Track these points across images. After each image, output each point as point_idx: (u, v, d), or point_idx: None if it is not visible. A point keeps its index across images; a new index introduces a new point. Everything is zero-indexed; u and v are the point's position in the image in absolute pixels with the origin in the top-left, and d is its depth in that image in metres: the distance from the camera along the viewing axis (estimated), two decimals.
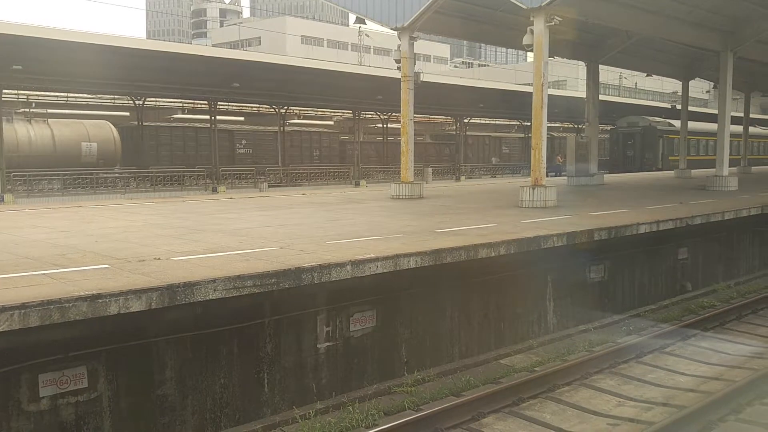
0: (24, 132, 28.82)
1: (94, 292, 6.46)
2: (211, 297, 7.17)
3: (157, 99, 34.58)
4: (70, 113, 32.94)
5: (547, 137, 17.06)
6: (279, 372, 8.30)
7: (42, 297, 6.20)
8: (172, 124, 35.56)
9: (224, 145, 35.21)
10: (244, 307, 7.80)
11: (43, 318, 6.07)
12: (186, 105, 37.43)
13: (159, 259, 8.43)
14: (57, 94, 32.83)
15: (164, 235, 10.83)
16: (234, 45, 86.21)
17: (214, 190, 30.28)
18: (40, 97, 32.91)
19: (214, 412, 7.77)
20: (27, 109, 31.33)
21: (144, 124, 32.51)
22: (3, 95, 25.94)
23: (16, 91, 29.85)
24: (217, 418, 7.78)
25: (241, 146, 36.94)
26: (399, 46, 19.46)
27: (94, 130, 30.98)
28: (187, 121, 36.31)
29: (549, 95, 16.97)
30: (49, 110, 31.44)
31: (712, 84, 43.19)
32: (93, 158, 30.58)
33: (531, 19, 16.23)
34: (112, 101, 35.03)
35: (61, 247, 9.45)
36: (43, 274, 7.43)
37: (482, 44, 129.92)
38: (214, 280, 7.19)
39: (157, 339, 7.28)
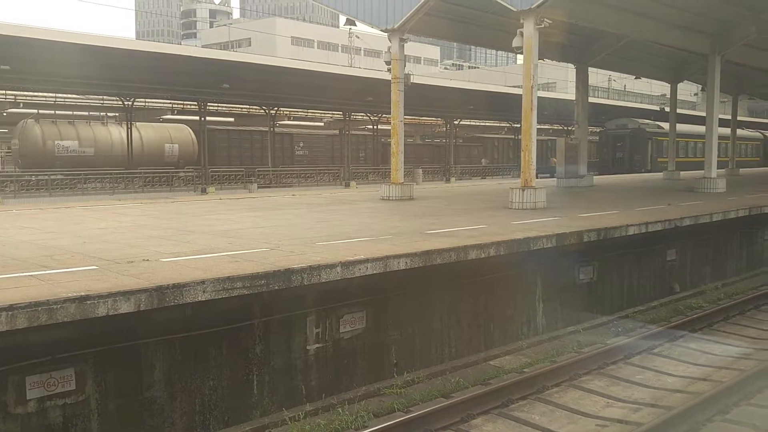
0: (117, 134, 32.30)
1: (83, 293, 6.42)
2: (200, 298, 7.15)
3: (146, 100, 34.45)
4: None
5: (537, 141, 17.11)
6: (268, 374, 8.28)
7: (29, 298, 6.16)
8: (240, 128, 38.93)
9: (285, 147, 38.52)
10: (234, 309, 7.78)
11: (31, 320, 6.03)
12: (175, 106, 37.31)
13: (148, 260, 8.39)
14: (45, 94, 32.65)
15: (153, 236, 10.78)
16: (224, 46, 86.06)
17: (204, 191, 30.18)
18: (27, 98, 32.73)
19: (203, 414, 7.73)
20: (116, 114, 34.22)
21: (215, 127, 35.94)
22: None
23: (3, 92, 29.69)
24: (206, 420, 7.75)
25: (299, 148, 40.30)
26: (389, 48, 19.47)
27: (175, 133, 34.45)
28: (252, 125, 39.72)
29: (539, 97, 17.05)
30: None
31: (700, 87, 43.45)
32: (174, 158, 33.98)
33: (521, 21, 16.28)
34: (101, 102, 34.86)
35: (49, 248, 9.39)
36: (31, 275, 7.38)
37: (472, 46, 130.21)
38: (203, 282, 7.17)
39: (145, 341, 7.25)
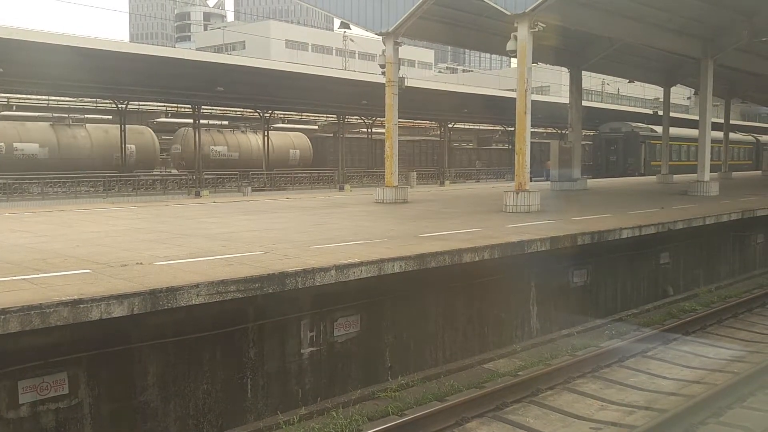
0: (254, 141, 38.39)
1: (76, 297, 6.39)
2: (194, 302, 7.12)
3: (140, 102, 34.39)
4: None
5: (531, 143, 17.15)
6: (262, 377, 8.26)
7: (22, 302, 6.13)
8: (348, 136, 43.23)
9: (377, 151, 41.87)
10: (228, 312, 7.76)
11: (24, 323, 5.99)
12: (169, 109, 37.26)
13: (141, 263, 8.36)
14: (39, 97, 32.59)
15: (147, 240, 10.75)
16: (218, 49, 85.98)
17: (197, 195, 30.12)
18: (21, 101, 32.65)
19: (197, 418, 7.70)
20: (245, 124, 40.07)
21: (325, 135, 42.13)
22: None
23: None
24: (200, 424, 7.72)
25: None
26: (383, 51, 19.48)
27: (296, 140, 40.15)
28: (357, 132, 45.49)
29: (533, 101, 17.07)
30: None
31: (693, 90, 43.65)
32: (296, 161, 39.55)
33: (515, 25, 16.32)
34: (95, 104, 34.79)
35: (41, 252, 9.35)
36: (23, 279, 7.35)
37: (466, 50, 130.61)
38: (197, 285, 7.15)
39: (139, 344, 7.22)
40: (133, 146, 32.47)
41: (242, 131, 38.99)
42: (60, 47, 22.62)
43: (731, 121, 42.83)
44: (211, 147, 35.97)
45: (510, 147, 46.95)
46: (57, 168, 29.39)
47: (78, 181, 29.29)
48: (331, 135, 42.22)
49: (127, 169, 31.59)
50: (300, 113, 42.66)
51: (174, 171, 35.80)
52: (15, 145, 28.69)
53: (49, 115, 32.98)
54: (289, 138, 39.91)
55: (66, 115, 32.32)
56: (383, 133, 24.13)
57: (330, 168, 39.71)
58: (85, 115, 34.76)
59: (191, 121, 33.66)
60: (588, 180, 28.92)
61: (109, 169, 31.01)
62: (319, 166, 39.98)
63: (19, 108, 33.37)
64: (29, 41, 22.02)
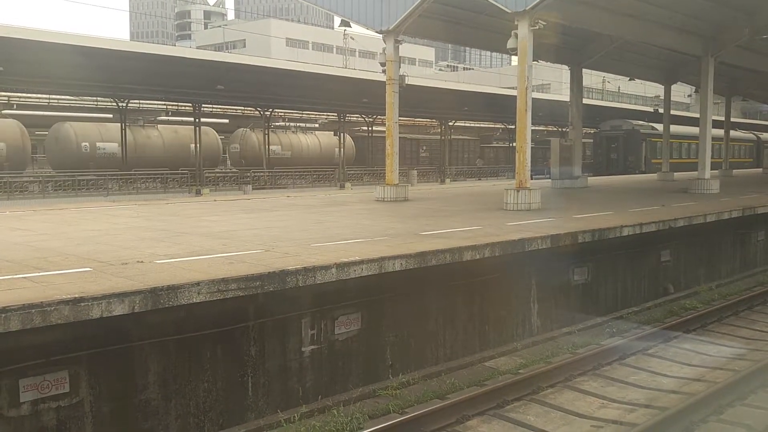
0: (304, 140, 41.78)
1: (77, 295, 6.40)
2: (194, 300, 7.13)
3: (141, 101, 34.39)
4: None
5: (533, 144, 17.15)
6: (263, 375, 8.26)
7: (23, 300, 6.13)
8: (384, 135, 42.97)
9: (413, 150, 47.36)
10: (228, 311, 7.76)
11: (24, 322, 6.00)
12: (170, 107, 37.27)
13: (142, 261, 8.37)
14: (39, 96, 32.60)
15: (147, 238, 10.76)
16: (218, 47, 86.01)
17: (198, 193, 30.12)
18: (21, 99, 32.66)
19: (198, 416, 7.71)
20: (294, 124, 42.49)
21: (365, 135, 45.03)
22: None
23: None
24: (201, 423, 7.73)
25: (423, 151, 49.26)
26: (384, 50, 19.48)
27: (344, 141, 41.87)
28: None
29: (533, 99, 17.06)
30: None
31: (693, 88, 43.62)
32: (337, 161, 41.15)
33: (515, 23, 16.31)
34: (95, 103, 34.80)
35: (42, 250, 9.35)
36: (25, 277, 7.36)
37: (467, 48, 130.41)
38: (197, 284, 7.15)
39: (140, 343, 7.23)
40: (200, 145, 34.81)
41: (293, 131, 42.31)
42: (60, 46, 22.62)
43: (732, 119, 42.79)
44: (271, 146, 39.04)
45: (511, 145, 47.02)
46: (133, 166, 31.96)
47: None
48: (371, 135, 45.51)
49: (190, 166, 33.69)
50: (301, 111, 42.66)
51: (233, 168, 38.61)
52: (98, 144, 31.71)
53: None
54: (335, 139, 42.66)
55: (139, 117, 34.77)
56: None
57: (370, 165, 43.61)
58: (156, 117, 36.92)
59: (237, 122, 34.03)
60: (589, 178, 28.89)
61: (180, 166, 33.24)
62: (360, 164, 44.27)
63: (20, 107, 33.36)
64: (30, 40, 22.03)
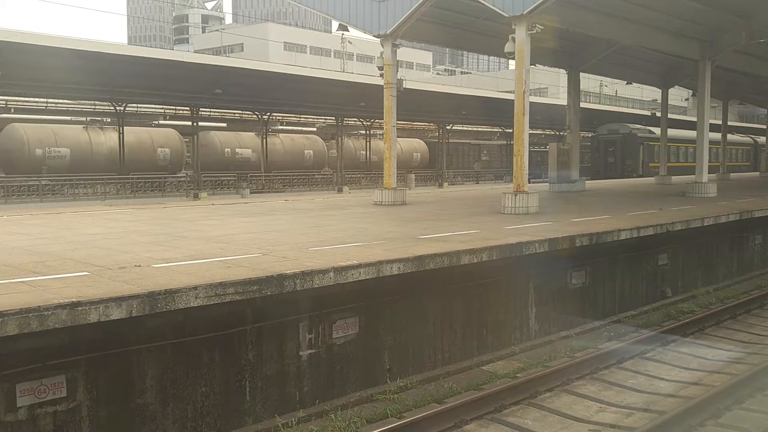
0: (383, 145, 39.30)
1: (74, 299, 6.39)
2: (192, 304, 7.12)
3: (139, 105, 34.38)
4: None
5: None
6: (261, 380, 8.25)
7: (20, 305, 6.12)
8: (456, 141, 51.05)
9: (474, 154, 50.91)
10: (226, 315, 7.75)
11: (22, 326, 5.98)
12: (168, 111, 37.27)
13: (140, 266, 8.36)
14: (37, 100, 32.58)
15: (145, 242, 10.75)
16: (216, 51, 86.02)
17: (196, 197, 30.10)
18: (19, 103, 32.64)
19: (195, 420, 7.70)
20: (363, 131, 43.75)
21: (435, 141, 48.12)
22: None
23: None
24: (198, 427, 7.72)
25: (484, 155, 52.79)
26: (382, 53, 19.49)
27: (418, 145, 47.94)
28: (461, 137, 52.99)
29: (530, 103, 17.09)
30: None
31: (691, 92, 43.74)
32: (417, 163, 46.70)
33: (512, 27, 16.34)
34: (93, 107, 34.78)
35: (39, 254, 9.34)
36: (21, 281, 7.34)
37: (464, 52, 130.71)
38: (195, 288, 7.14)
39: (137, 347, 7.21)
40: (311, 151, 40.62)
41: (379, 138, 44.10)
42: (58, 50, 22.63)
43: (729, 123, 42.91)
44: (359, 152, 43.53)
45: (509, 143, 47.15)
46: (259, 168, 37.36)
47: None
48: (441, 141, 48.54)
49: (305, 168, 39.51)
50: (299, 115, 42.68)
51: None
52: (237, 150, 37.07)
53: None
54: (413, 144, 47.67)
55: (270, 127, 39.45)
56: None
57: (439, 169, 46.60)
58: (279, 126, 42.38)
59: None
60: (586, 181, 28.93)
61: (297, 168, 38.91)
62: (431, 167, 47.57)
63: (18, 110, 33.34)
64: (28, 44, 22.02)
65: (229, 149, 36.87)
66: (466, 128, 52.71)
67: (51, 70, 24.51)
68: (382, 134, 43.89)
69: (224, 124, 41.23)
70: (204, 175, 33.97)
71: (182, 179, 32.73)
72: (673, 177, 32.62)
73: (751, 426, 7.48)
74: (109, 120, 33.71)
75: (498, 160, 53.25)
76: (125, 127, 32.30)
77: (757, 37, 23.11)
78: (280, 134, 40.74)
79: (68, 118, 33.84)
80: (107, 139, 32.07)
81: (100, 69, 24.87)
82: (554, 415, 8.11)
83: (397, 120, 20.19)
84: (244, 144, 37.69)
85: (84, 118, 33.85)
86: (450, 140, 51.31)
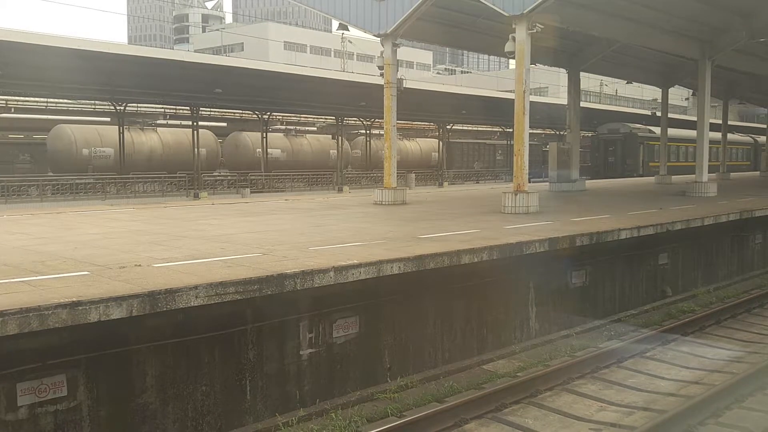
0: (409, 146, 46.42)
1: (74, 299, 6.39)
2: (192, 304, 7.12)
3: (139, 105, 34.38)
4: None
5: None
6: (261, 379, 8.26)
7: (21, 304, 6.12)
8: (465, 141, 52.87)
9: (490, 153, 52.54)
10: (226, 314, 7.76)
11: (22, 326, 5.99)
12: (168, 111, 37.27)
13: (140, 265, 8.36)
14: (37, 99, 32.58)
15: (145, 242, 10.75)
16: (216, 51, 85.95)
17: (196, 196, 30.10)
18: (19, 103, 32.64)
19: (196, 419, 7.70)
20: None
21: (455, 141, 50.80)
22: None
23: None
24: (199, 426, 7.72)
25: (499, 155, 53.28)
26: (382, 53, 19.50)
27: (434, 145, 48.51)
28: (478, 138, 54.76)
29: (531, 102, 17.09)
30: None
31: (691, 92, 43.71)
32: (435, 163, 47.74)
33: (513, 26, 16.34)
34: (93, 106, 34.78)
35: (40, 254, 9.34)
36: (22, 281, 7.35)
37: (465, 51, 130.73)
38: (195, 287, 7.15)
39: (138, 346, 7.22)
40: (336, 151, 41.43)
41: (401, 139, 46.23)
42: (58, 49, 22.62)
43: (729, 122, 42.88)
44: (381, 151, 42.69)
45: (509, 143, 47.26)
46: (290, 167, 38.76)
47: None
48: (462, 141, 51.72)
49: (329, 167, 40.40)
50: (299, 115, 42.67)
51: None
52: (268, 150, 38.24)
53: (282, 127, 41.85)
54: (432, 143, 49.01)
55: (292, 128, 41.53)
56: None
57: (462, 167, 48.85)
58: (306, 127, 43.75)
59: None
60: (586, 181, 28.93)
61: (323, 167, 40.14)
62: (449, 167, 48.12)
63: (18, 110, 33.36)
64: (28, 44, 22.01)
65: (260, 149, 38.39)
66: (466, 128, 52.68)
67: (51, 70, 24.49)
68: (408, 134, 45.56)
69: (224, 124, 41.25)
70: (242, 173, 35.68)
71: (182, 179, 32.74)
72: (673, 176, 32.61)
73: (751, 425, 7.48)
74: (150, 122, 35.66)
75: (504, 160, 53.51)
76: (166, 128, 35.43)
77: (757, 36, 23.11)
78: (307, 135, 42.38)
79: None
80: (148, 139, 33.90)
81: (100, 69, 24.87)
82: (555, 414, 8.11)
83: (398, 120, 20.19)
84: (274, 144, 39.54)
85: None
86: (467, 141, 53.01)
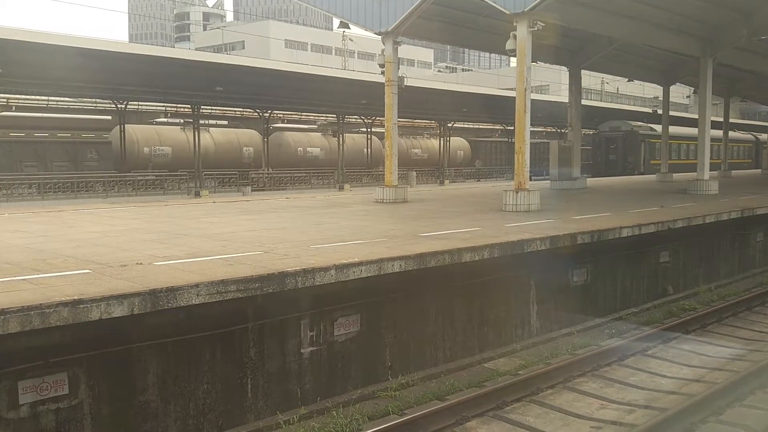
0: (434, 144, 48.36)
1: (76, 297, 6.40)
2: (194, 302, 7.13)
3: (140, 103, 34.40)
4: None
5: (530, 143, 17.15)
6: (262, 377, 8.26)
7: (22, 302, 6.13)
8: (490, 139, 54.64)
9: (511, 152, 52.65)
10: (228, 312, 7.76)
11: (24, 324, 5.99)
12: (169, 109, 37.29)
13: (141, 263, 8.37)
14: (39, 98, 32.62)
15: (146, 240, 10.75)
16: (217, 49, 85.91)
17: (197, 194, 30.11)
18: (20, 101, 32.67)
19: (197, 418, 7.71)
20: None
21: (478, 139, 53.23)
22: None
23: None
24: (200, 424, 7.73)
25: (544, 153, 52.46)
26: (383, 51, 19.48)
27: (461, 143, 51.25)
28: (500, 136, 55.06)
29: (532, 100, 17.07)
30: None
31: (692, 89, 43.64)
32: (460, 160, 50.80)
33: (514, 24, 16.32)
34: (94, 104, 34.80)
35: (41, 252, 9.35)
36: (23, 279, 7.35)
37: (466, 49, 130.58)
38: (197, 285, 7.15)
39: (139, 344, 7.22)
40: (368, 149, 43.64)
41: (426, 137, 49.55)
42: (59, 48, 22.59)
43: (730, 120, 42.83)
44: (411, 150, 46.83)
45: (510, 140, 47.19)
46: (327, 165, 40.16)
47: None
48: (484, 139, 53.49)
49: (369, 166, 42.73)
50: (300, 113, 42.66)
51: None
52: (308, 149, 40.70)
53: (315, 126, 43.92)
54: (456, 142, 51.08)
55: (330, 129, 42.60)
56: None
57: (489, 165, 50.71)
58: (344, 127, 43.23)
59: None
60: (588, 179, 28.91)
61: (359, 165, 42.07)
62: (473, 164, 50.77)
63: (18, 108, 33.39)
64: (29, 42, 21.98)
65: (301, 148, 40.45)
66: (467, 125, 52.67)
67: (52, 68, 24.49)
68: (434, 133, 46.86)
69: (225, 122, 41.25)
70: (280, 172, 37.33)
71: (183, 177, 32.81)
72: (674, 174, 32.58)
73: (752, 423, 7.48)
74: (208, 122, 38.37)
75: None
76: (216, 129, 37.97)
77: (759, 33, 23.10)
78: (347, 134, 43.42)
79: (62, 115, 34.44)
80: (202, 139, 34.89)
81: (101, 67, 24.84)
82: (556, 412, 8.11)
83: (399, 117, 20.17)
84: (314, 143, 41.53)
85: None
86: (492, 139, 54.26)
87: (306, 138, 41.63)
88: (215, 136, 36.99)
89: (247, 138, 38.84)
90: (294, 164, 39.21)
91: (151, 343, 7.30)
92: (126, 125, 32.75)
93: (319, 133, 42.19)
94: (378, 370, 9.49)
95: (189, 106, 33.50)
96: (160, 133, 34.91)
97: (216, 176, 34.32)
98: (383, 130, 25.88)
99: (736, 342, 11.38)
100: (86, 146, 31.87)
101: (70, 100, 34.00)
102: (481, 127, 55.15)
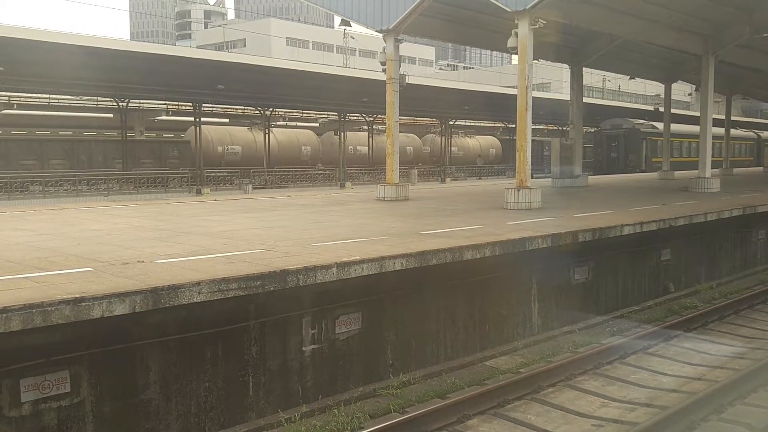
0: (472, 142, 52.98)
1: (77, 295, 6.40)
2: (195, 300, 7.13)
3: (141, 101, 34.42)
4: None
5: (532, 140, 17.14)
6: (264, 375, 8.27)
7: (24, 300, 6.14)
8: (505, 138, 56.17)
9: (537, 151, 51.04)
10: (229, 310, 7.76)
11: (25, 322, 6.00)
12: (170, 107, 37.30)
13: (143, 261, 8.37)
14: (40, 96, 32.63)
15: (148, 238, 10.76)
16: (219, 47, 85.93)
17: (198, 193, 30.12)
18: (22, 99, 32.69)
19: (199, 416, 7.72)
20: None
21: (509, 138, 50.87)
22: None
23: None
24: (202, 422, 7.74)
25: (546, 152, 52.03)
26: (384, 49, 19.47)
27: (492, 142, 54.95)
28: (501, 134, 56.74)
29: (533, 98, 17.05)
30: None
31: (694, 87, 43.59)
32: (491, 158, 54.21)
33: (515, 21, 16.31)
34: (95, 103, 34.81)
35: (43, 250, 9.35)
36: (25, 277, 7.36)
37: (467, 47, 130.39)
38: (198, 283, 7.15)
39: (141, 342, 7.23)
40: (410, 148, 46.46)
41: (461, 136, 52.76)
42: (61, 46, 22.61)
43: (732, 117, 42.75)
44: (451, 148, 49.92)
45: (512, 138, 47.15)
46: (372, 163, 42.82)
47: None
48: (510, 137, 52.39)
49: (408, 164, 43.48)
50: (301, 111, 42.67)
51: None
52: (357, 147, 44.33)
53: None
54: (489, 140, 54.87)
55: (379, 127, 43.94)
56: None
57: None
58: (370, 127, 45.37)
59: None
60: (589, 177, 28.88)
61: (403, 162, 40.68)
62: (505, 162, 51.44)
63: (20, 106, 33.42)
64: (31, 40, 22.01)
65: (351, 146, 43.29)
66: (468, 123, 52.65)
67: (54, 67, 24.52)
68: (463, 131, 48.77)
69: (226, 120, 41.27)
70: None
71: (185, 175, 32.87)
72: (676, 172, 32.53)
73: (753, 421, 7.48)
74: (278, 122, 40.97)
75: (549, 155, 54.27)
76: (278, 129, 40.49)
77: (761, 31, 23.03)
78: (375, 135, 46.17)
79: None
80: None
81: (102, 65, 24.85)
82: (557, 410, 8.11)
83: (400, 115, 20.17)
84: (362, 143, 44.67)
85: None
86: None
87: (355, 137, 45.01)
88: (278, 136, 39.77)
89: (305, 138, 42.44)
90: (346, 161, 41.23)
91: (153, 341, 7.31)
92: (201, 126, 34.11)
93: (365, 133, 44.86)
94: (379, 368, 9.50)
95: (190, 103, 33.51)
96: (231, 133, 38.14)
97: (276, 173, 37.10)
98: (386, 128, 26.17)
99: (737, 340, 11.37)
100: (169, 145, 35.50)
101: (72, 97, 33.99)
102: (482, 124, 55.09)
